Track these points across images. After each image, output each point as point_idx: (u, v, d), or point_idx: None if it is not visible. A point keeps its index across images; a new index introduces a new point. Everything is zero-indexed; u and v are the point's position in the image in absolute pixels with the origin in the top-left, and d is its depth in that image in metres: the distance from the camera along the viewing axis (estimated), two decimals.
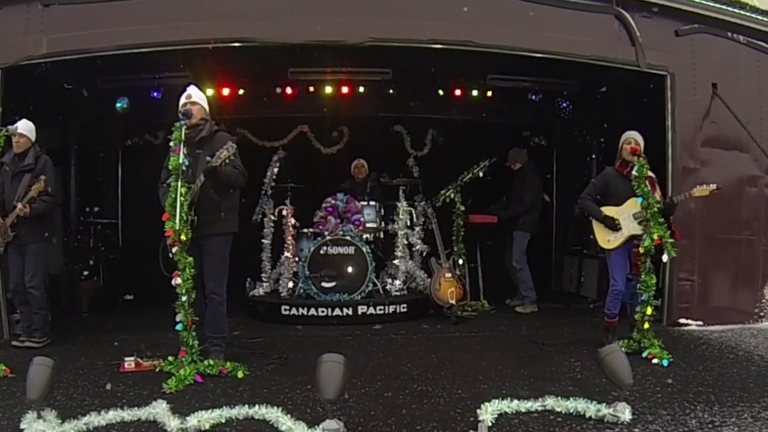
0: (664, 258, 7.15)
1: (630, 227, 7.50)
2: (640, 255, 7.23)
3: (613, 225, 7.60)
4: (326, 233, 10.12)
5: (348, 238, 9.99)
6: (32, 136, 7.76)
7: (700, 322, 8.93)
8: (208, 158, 6.46)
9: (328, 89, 11.71)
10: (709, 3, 9.19)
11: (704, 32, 9.28)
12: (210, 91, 11.02)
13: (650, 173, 7.48)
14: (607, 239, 7.71)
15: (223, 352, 6.85)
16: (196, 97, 6.93)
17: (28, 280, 7.67)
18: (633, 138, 7.71)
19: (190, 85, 7.09)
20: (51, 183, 7.70)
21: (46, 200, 7.68)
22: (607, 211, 7.70)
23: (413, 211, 10.78)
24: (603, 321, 7.96)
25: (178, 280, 6.27)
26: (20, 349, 7.46)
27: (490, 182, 11.07)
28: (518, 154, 11.19)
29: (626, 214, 7.55)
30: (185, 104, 6.80)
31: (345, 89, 11.71)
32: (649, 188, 7.24)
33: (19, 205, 7.43)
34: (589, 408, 5.15)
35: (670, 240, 7.06)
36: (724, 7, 9.26)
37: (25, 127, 7.69)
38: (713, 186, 7.44)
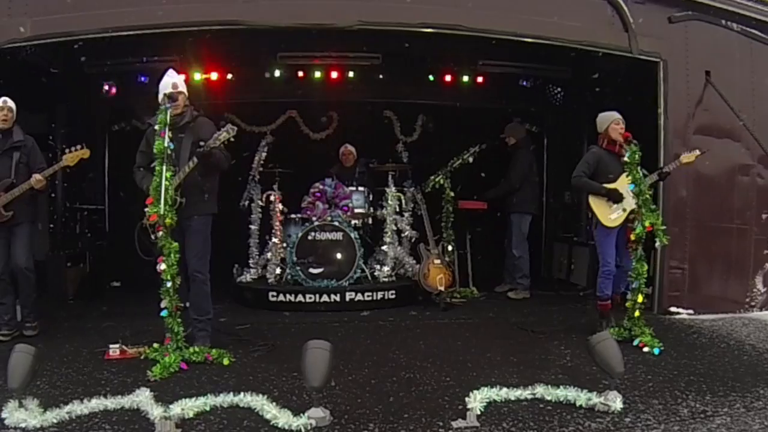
0: (657, 245, 7.14)
1: (630, 202, 7.46)
2: (632, 241, 7.20)
3: (618, 197, 7.56)
4: (314, 219, 10.06)
5: (336, 223, 9.91)
6: (16, 113, 7.55)
7: (691, 311, 8.93)
8: (202, 141, 6.61)
9: (317, 74, 11.65)
10: None
11: (698, 19, 9.22)
12: (198, 75, 10.99)
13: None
14: (609, 216, 7.66)
15: (209, 337, 6.84)
16: (181, 84, 6.97)
17: (24, 261, 7.40)
18: (619, 119, 7.78)
19: (171, 71, 7.08)
20: (44, 163, 7.58)
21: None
22: (607, 186, 7.68)
23: (402, 197, 10.72)
24: (595, 305, 7.96)
25: (163, 266, 6.23)
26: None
27: (479, 168, 11.02)
28: (514, 129, 11.20)
29: (624, 189, 7.52)
30: (172, 93, 6.79)
31: (334, 74, 11.64)
32: (641, 175, 7.23)
33: (37, 176, 7.22)
34: (580, 396, 5.13)
35: (662, 227, 7.04)
36: None
37: (11, 102, 7.49)
38: (697, 152, 7.68)
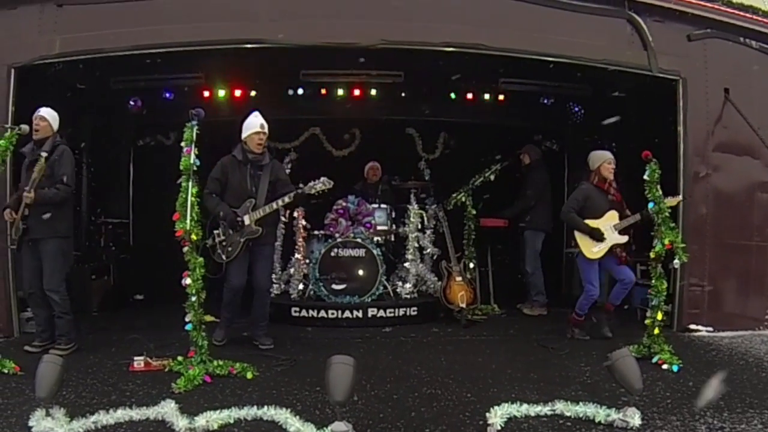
0: (675, 263, 7.20)
1: (612, 237, 8.18)
2: (651, 259, 7.23)
3: (600, 236, 8.17)
4: (337, 235, 10.11)
5: (359, 240, 9.95)
6: (54, 125, 7.47)
7: (710, 328, 8.90)
8: (300, 186, 7.89)
9: (340, 91, 11.72)
10: (721, 8, 9.15)
11: (716, 37, 9.24)
12: (222, 92, 11.09)
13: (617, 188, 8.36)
14: (591, 249, 8.25)
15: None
16: (266, 127, 7.76)
17: (46, 283, 7.24)
18: (611, 158, 8.47)
19: (257, 113, 7.88)
20: (68, 173, 7.33)
21: (60, 188, 7.22)
22: (591, 223, 8.21)
23: (424, 214, 10.77)
24: (570, 318, 8.58)
25: (188, 281, 6.31)
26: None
27: (501, 186, 11.02)
28: (531, 149, 11.31)
29: (607, 225, 8.20)
30: (258, 133, 7.71)
31: (357, 92, 11.70)
32: (660, 193, 7.28)
33: (25, 192, 7.03)
34: (599, 413, 5.15)
35: (681, 245, 7.08)
36: (736, 12, 9.21)
37: (47, 112, 7.44)
38: (679, 197, 8.13)
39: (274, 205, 7.64)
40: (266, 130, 7.74)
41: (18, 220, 7.14)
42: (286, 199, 7.64)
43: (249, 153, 7.70)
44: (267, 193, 7.72)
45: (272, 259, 8.52)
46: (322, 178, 7.77)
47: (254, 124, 7.71)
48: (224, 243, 7.61)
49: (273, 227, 8.33)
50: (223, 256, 7.58)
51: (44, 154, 7.13)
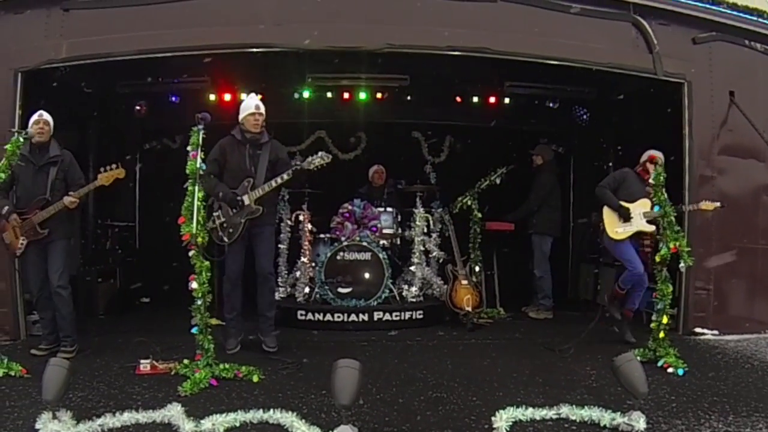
0: (681, 266, 7.19)
1: (639, 223, 8.07)
2: (657, 262, 7.23)
3: (627, 215, 8.11)
4: (343, 239, 10.13)
5: (365, 243, 9.97)
6: (52, 129, 7.47)
7: (716, 332, 8.89)
8: (299, 161, 7.94)
9: (346, 95, 11.74)
10: (726, 11, 9.15)
11: (721, 40, 9.25)
12: (228, 96, 11.09)
13: None
14: (615, 229, 8.20)
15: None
16: (262, 106, 7.74)
17: (57, 278, 7.24)
18: (661, 159, 8.10)
19: (253, 94, 7.86)
20: (82, 176, 7.54)
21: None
22: (622, 203, 8.12)
23: (430, 218, 10.77)
24: (612, 291, 8.51)
25: (195, 284, 6.31)
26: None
27: (507, 189, 11.01)
28: (543, 149, 11.34)
29: (638, 210, 8.06)
30: (254, 114, 7.67)
31: (363, 95, 11.70)
32: (665, 197, 7.29)
33: (71, 197, 7.16)
34: (604, 416, 5.16)
35: (687, 249, 7.08)
36: (741, 14, 9.21)
37: (48, 115, 7.42)
38: (717, 204, 8.02)
39: (273, 183, 7.56)
40: (262, 110, 7.73)
41: (35, 224, 7.19)
42: (285, 177, 7.56)
43: (247, 132, 7.70)
44: (266, 172, 7.69)
45: (273, 241, 8.41)
46: (320, 153, 7.72)
47: (249, 105, 7.71)
48: (225, 225, 7.59)
49: (273, 207, 8.24)
50: (225, 238, 7.59)
51: (104, 170, 7.44)
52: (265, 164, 7.70)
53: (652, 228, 8.00)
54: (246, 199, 7.54)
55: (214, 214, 7.62)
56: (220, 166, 7.69)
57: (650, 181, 7.43)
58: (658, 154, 8.19)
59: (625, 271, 8.25)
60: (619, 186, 8.35)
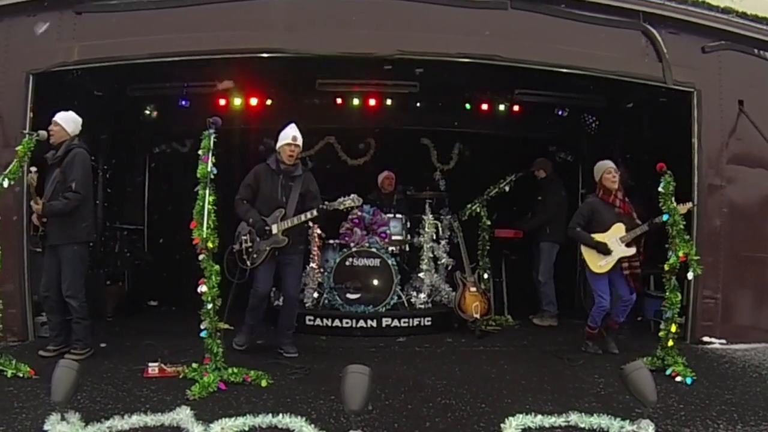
0: (689, 275, 7.20)
1: (619, 250, 8.07)
2: (666, 271, 7.21)
3: (606, 249, 8.09)
4: (352, 245, 10.14)
5: (374, 250, 9.99)
6: (68, 128, 7.45)
7: (724, 341, 8.84)
8: (326, 202, 7.87)
9: (356, 101, 11.75)
10: (736, 20, 9.14)
11: (731, 49, 9.23)
12: (238, 101, 11.11)
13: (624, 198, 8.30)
14: (598, 264, 8.18)
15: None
16: (300, 138, 7.99)
17: (65, 289, 7.24)
18: (612, 168, 8.33)
19: (293, 125, 8.06)
20: (78, 178, 7.27)
21: (69, 197, 7.18)
22: (597, 237, 8.15)
23: (439, 225, 10.75)
24: (585, 331, 8.47)
25: (204, 288, 6.32)
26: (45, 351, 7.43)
27: (516, 196, 11.00)
28: (543, 163, 11.25)
29: (614, 239, 8.12)
30: (290, 145, 7.90)
31: (372, 101, 11.72)
32: (675, 205, 7.27)
33: (33, 204, 7.34)
34: (613, 424, 5.16)
35: (696, 257, 7.08)
36: (751, 23, 9.20)
37: (61, 116, 7.44)
38: (689, 204, 7.81)
39: (303, 218, 7.74)
40: (299, 142, 7.94)
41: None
42: (310, 215, 7.76)
43: (281, 163, 7.88)
44: (297, 204, 7.86)
45: (300, 269, 8.59)
46: (352, 195, 7.91)
47: (287, 135, 7.91)
48: (250, 249, 7.69)
49: (301, 237, 8.35)
50: (248, 262, 7.62)
51: (33, 169, 7.54)
52: (296, 197, 7.89)
53: (632, 251, 8.07)
54: (274, 229, 7.72)
55: (243, 237, 7.78)
56: (253, 192, 7.92)
57: (659, 189, 7.39)
58: (612, 166, 8.37)
59: (593, 309, 8.35)
60: (589, 220, 8.34)
